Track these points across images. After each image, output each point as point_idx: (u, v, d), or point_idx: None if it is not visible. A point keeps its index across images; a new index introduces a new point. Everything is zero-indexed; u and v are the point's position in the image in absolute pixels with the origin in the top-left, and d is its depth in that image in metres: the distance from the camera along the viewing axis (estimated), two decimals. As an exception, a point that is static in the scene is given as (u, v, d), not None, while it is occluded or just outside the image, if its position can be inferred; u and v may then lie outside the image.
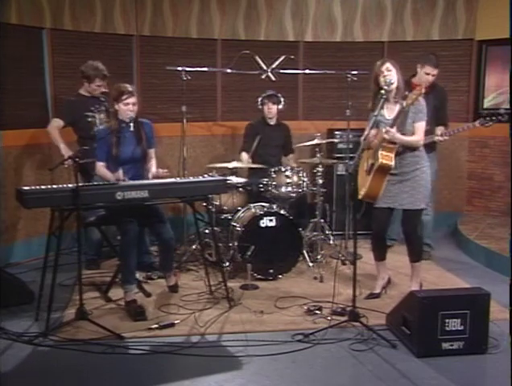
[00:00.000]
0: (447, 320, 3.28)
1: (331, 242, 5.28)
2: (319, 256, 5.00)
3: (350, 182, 4.14)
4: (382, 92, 3.79)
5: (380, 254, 4.22)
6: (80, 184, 3.53)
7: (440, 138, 4.79)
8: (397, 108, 3.87)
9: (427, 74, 4.81)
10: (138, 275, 4.29)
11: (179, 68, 5.06)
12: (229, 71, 5.46)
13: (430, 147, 4.51)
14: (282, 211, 4.70)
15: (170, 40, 6.03)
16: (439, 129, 4.81)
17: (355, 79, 5.17)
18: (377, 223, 4.11)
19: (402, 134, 3.84)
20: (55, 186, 3.66)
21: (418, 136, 3.89)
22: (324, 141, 5.24)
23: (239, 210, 4.88)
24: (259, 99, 5.34)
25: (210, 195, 4.40)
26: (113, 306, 4.06)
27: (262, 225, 4.61)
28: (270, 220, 4.62)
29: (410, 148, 3.91)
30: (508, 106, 5.44)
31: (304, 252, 4.84)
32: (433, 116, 4.38)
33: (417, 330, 3.31)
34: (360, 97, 5.19)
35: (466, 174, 6.49)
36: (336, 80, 5.83)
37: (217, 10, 6.12)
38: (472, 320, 3.30)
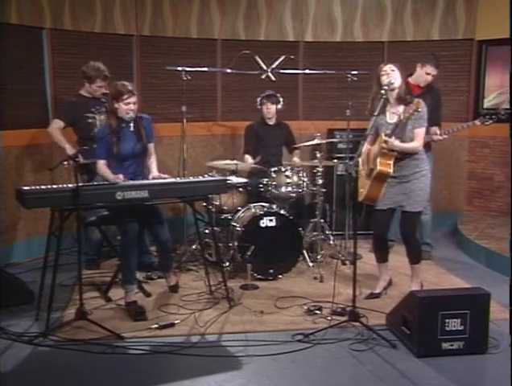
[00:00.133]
0: (447, 320, 3.28)
1: (331, 242, 5.27)
2: (319, 256, 5.00)
3: (350, 182, 4.14)
4: (382, 92, 3.78)
5: (382, 256, 4.22)
6: (80, 184, 3.53)
7: (440, 137, 4.79)
8: (399, 109, 3.86)
9: (428, 74, 4.81)
10: (138, 275, 4.28)
11: (179, 68, 5.05)
12: (229, 71, 5.45)
13: (425, 147, 4.51)
14: (282, 211, 4.70)
15: (170, 40, 6.02)
16: (434, 130, 4.80)
17: (355, 79, 5.16)
18: (378, 225, 4.11)
19: (402, 141, 3.83)
20: (55, 186, 3.66)
21: (417, 142, 3.88)
22: (324, 141, 5.24)
23: (239, 210, 4.88)
24: (258, 99, 5.34)
25: (210, 195, 4.40)
26: (113, 306, 4.06)
27: (262, 225, 4.61)
28: (270, 220, 4.63)
29: (410, 153, 3.91)
30: (508, 106, 5.44)
31: (304, 252, 4.84)
32: (429, 116, 4.37)
33: (417, 330, 3.31)
34: (360, 97, 5.17)
35: (466, 174, 6.49)
36: (336, 80, 5.83)
37: (217, 10, 6.12)
38: (472, 320, 3.30)
